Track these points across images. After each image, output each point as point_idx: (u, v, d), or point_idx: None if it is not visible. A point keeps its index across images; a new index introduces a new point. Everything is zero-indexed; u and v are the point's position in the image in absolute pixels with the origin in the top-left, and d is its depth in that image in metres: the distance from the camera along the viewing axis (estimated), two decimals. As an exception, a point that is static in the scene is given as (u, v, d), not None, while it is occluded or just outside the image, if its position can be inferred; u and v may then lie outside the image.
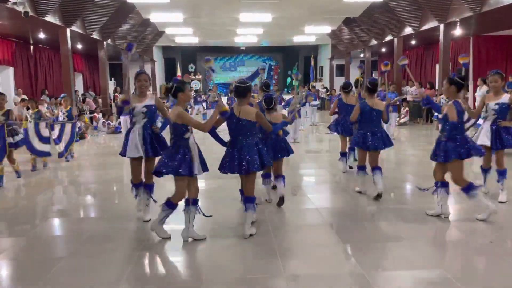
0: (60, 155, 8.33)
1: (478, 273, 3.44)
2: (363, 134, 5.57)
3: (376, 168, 5.54)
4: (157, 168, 4.12)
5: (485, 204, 4.65)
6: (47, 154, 7.81)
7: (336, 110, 7.40)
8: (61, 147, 8.30)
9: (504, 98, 5.34)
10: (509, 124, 5.29)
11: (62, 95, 10.03)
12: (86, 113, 15.36)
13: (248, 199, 4.32)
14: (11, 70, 15.35)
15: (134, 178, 4.81)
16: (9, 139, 6.86)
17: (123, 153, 4.73)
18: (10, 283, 3.50)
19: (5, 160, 6.90)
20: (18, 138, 7.10)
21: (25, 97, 13.69)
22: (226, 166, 4.25)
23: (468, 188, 4.58)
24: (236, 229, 4.50)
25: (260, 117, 4.26)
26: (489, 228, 4.46)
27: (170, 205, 4.15)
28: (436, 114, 10.75)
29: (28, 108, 8.60)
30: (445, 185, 4.75)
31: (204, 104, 17.98)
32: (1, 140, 6.70)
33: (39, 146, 7.58)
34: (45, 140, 7.74)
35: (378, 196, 5.46)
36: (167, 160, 4.04)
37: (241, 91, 4.25)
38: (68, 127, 8.58)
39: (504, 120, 5.31)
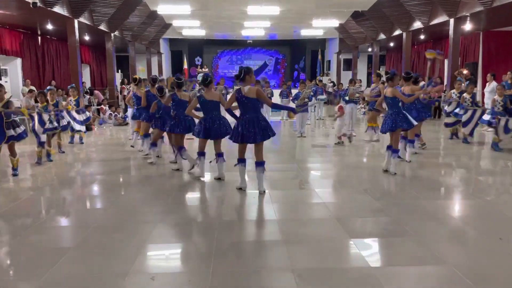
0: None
1: (487, 270, 3.41)
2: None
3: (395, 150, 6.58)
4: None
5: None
6: (41, 143, 7.63)
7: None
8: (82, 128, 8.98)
9: None
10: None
11: (69, 86, 10.13)
12: (94, 105, 15.40)
13: (259, 163, 5.54)
14: (19, 60, 15.41)
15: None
16: (10, 132, 6.50)
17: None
18: (17, 272, 3.52)
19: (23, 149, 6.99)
20: (20, 130, 6.70)
21: (33, 88, 13.76)
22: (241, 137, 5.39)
23: None
24: (242, 223, 4.50)
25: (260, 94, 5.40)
26: (498, 225, 4.43)
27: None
28: (445, 108, 10.64)
29: (36, 101, 8.54)
30: None
31: None
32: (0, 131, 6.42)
33: (42, 136, 7.59)
34: (45, 130, 7.67)
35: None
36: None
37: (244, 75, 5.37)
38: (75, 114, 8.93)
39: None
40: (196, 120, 6.44)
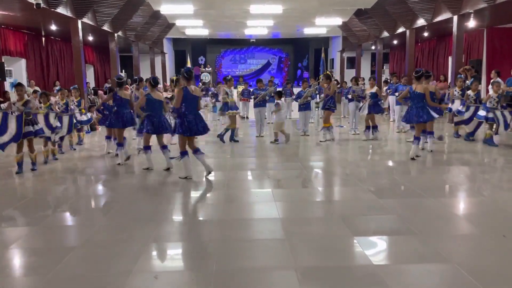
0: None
1: (491, 268, 3.40)
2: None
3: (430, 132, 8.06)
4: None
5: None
6: (48, 138, 7.96)
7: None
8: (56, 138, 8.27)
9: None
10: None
11: (71, 86, 10.26)
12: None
13: (198, 149, 6.33)
14: (23, 61, 15.48)
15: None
16: (29, 128, 6.99)
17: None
18: (22, 271, 3.55)
19: (26, 148, 7.11)
20: (38, 127, 7.21)
21: (37, 88, 13.84)
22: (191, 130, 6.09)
23: None
24: (245, 222, 4.50)
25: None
26: (502, 222, 4.41)
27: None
28: (449, 106, 10.58)
29: (40, 102, 8.66)
30: None
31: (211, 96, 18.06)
32: (18, 128, 6.86)
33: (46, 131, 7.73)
34: (51, 128, 7.84)
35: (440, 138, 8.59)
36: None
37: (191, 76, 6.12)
38: (65, 120, 8.52)
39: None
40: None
